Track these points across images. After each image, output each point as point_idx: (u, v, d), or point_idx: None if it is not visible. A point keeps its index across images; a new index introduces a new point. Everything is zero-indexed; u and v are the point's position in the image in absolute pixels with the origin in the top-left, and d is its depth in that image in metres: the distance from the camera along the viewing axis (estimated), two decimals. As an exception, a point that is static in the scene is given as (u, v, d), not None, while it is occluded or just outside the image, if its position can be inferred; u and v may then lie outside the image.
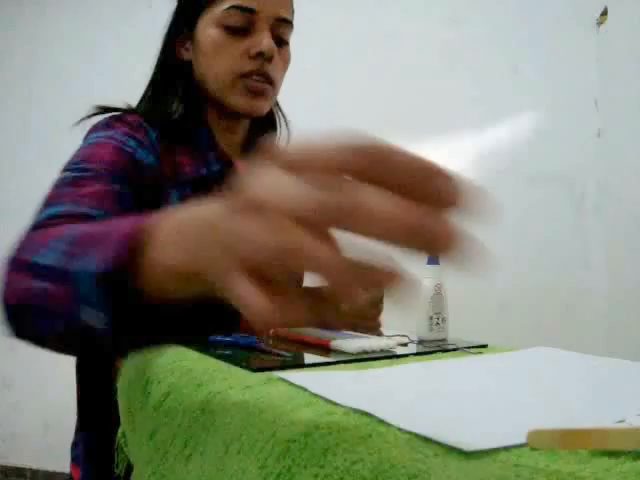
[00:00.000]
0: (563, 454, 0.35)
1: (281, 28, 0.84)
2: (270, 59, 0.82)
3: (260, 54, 0.81)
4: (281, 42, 0.85)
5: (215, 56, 0.82)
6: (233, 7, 0.80)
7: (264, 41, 0.80)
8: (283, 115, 1.00)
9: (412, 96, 2.02)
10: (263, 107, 0.85)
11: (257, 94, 0.83)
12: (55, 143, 2.58)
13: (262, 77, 0.82)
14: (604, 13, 1.84)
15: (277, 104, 0.98)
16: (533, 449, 0.36)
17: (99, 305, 0.40)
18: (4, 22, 2.70)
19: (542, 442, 0.36)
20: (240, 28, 0.81)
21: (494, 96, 1.97)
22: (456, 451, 0.35)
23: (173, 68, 0.87)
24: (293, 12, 0.88)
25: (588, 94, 1.86)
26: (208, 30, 0.82)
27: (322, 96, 2.04)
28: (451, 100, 1.99)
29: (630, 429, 0.35)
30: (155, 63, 0.89)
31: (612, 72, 1.80)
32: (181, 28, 0.86)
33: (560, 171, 1.90)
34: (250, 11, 0.80)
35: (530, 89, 1.94)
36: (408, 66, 2.05)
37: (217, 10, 0.81)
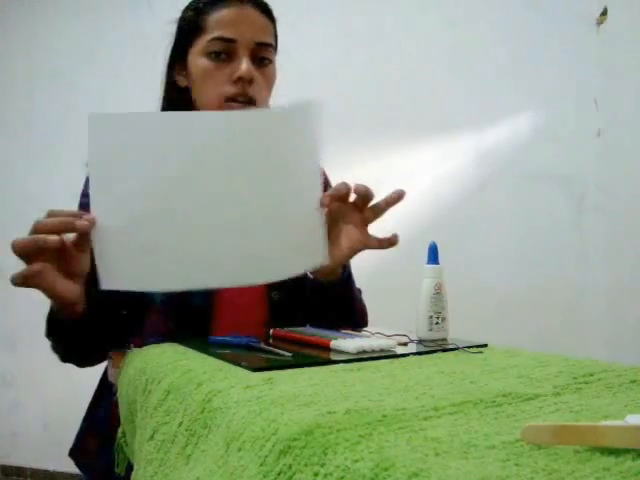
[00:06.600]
0: (563, 453, 0.35)
1: (261, 51, 0.93)
2: (250, 81, 0.91)
3: (240, 78, 0.90)
4: (263, 61, 0.94)
5: (204, 82, 0.92)
6: (216, 38, 0.90)
7: (242, 67, 0.90)
8: None
9: (412, 96, 2.02)
10: None
11: None
12: (55, 143, 2.59)
13: (245, 98, 0.91)
14: (604, 13, 1.84)
15: None
16: (533, 448, 0.36)
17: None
18: (4, 22, 2.70)
19: (536, 437, 0.36)
20: (223, 56, 0.91)
21: (494, 96, 1.97)
22: (456, 452, 0.35)
23: (174, 94, 0.98)
24: (273, 33, 0.97)
25: (588, 94, 1.86)
26: (197, 60, 0.93)
27: (322, 97, 2.04)
28: (451, 100, 1.99)
29: (624, 427, 0.35)
30: (161, 90, 1.00)
31: (612, 72, 1.80)
32: (176, 58, 0.97)
33: (560, 171, 1.90)
34: (231, 41, 0.90)
35: (530, 89, 1.94)
36: (408, 66, 2.05)
37: (203, 41, 0.91)
